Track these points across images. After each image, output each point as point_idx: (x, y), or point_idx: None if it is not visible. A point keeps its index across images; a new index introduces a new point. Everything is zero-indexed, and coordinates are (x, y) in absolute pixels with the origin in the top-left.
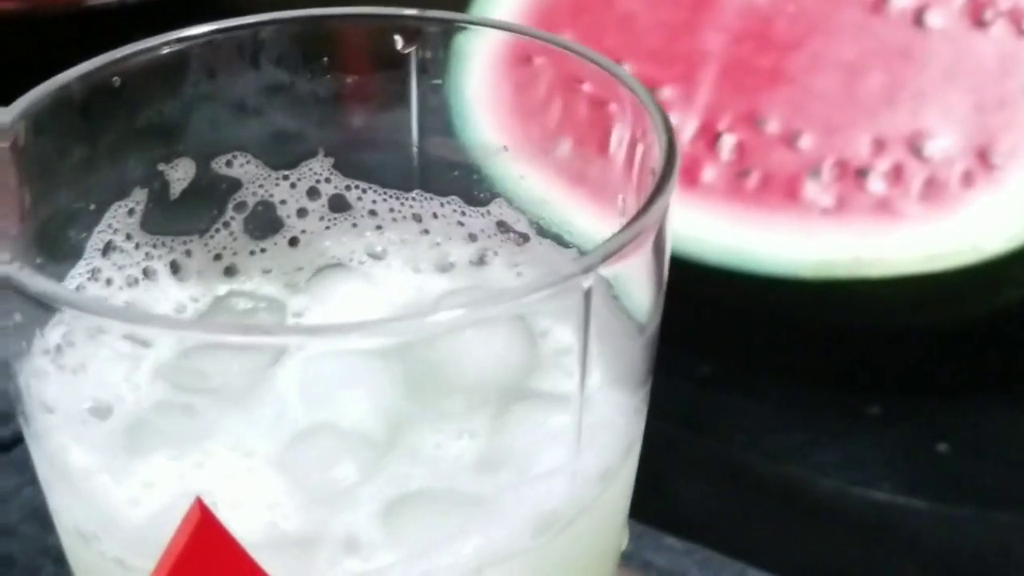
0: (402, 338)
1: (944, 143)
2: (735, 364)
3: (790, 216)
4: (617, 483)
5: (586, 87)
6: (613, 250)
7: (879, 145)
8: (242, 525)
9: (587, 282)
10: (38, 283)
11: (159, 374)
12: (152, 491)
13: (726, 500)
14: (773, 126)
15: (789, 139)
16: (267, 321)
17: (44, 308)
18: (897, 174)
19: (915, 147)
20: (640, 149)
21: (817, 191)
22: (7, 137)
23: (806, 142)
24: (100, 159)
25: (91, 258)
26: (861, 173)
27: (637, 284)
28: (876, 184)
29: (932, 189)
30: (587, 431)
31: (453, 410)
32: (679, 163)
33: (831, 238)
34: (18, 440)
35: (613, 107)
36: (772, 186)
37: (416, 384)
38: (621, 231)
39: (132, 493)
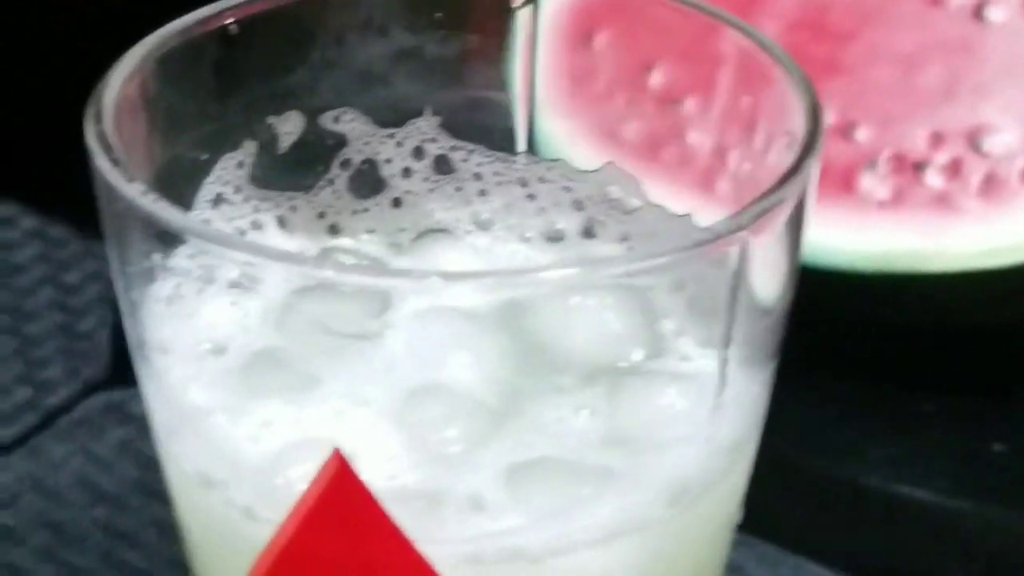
0: (538, 290)
1: (1005, 138)
2: (790, 358)
3: (846, 208)
4: (745, 456)
5: (705, 43)
6: (765, 210)
7: (937, 139)
8: (362, 475)
9: (739, 243)
10: (168, 213)
11: (268, 320)
12: (271, 432)
13: (783, 495)
14: (828, 117)
15: (845, 130)
16: None
17: (166, 246)
18: (956, 168)
19: (974, 142)
20: (770, 108)
21: (873, 183)
22: None
23: (862, 134)
24: (213, 109)
25: (201, 209)
26: (918, 167)
27: (776, 252)
28: (934, 178)
29: (992, 185)
30: (723, 401)
31: (565, 384)
32: (824, 123)
33: (888, 231)
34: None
35: (738, 64)
36: (828, 177)
37: (525, 356)
38: (768, 194)
39: (250, 432)
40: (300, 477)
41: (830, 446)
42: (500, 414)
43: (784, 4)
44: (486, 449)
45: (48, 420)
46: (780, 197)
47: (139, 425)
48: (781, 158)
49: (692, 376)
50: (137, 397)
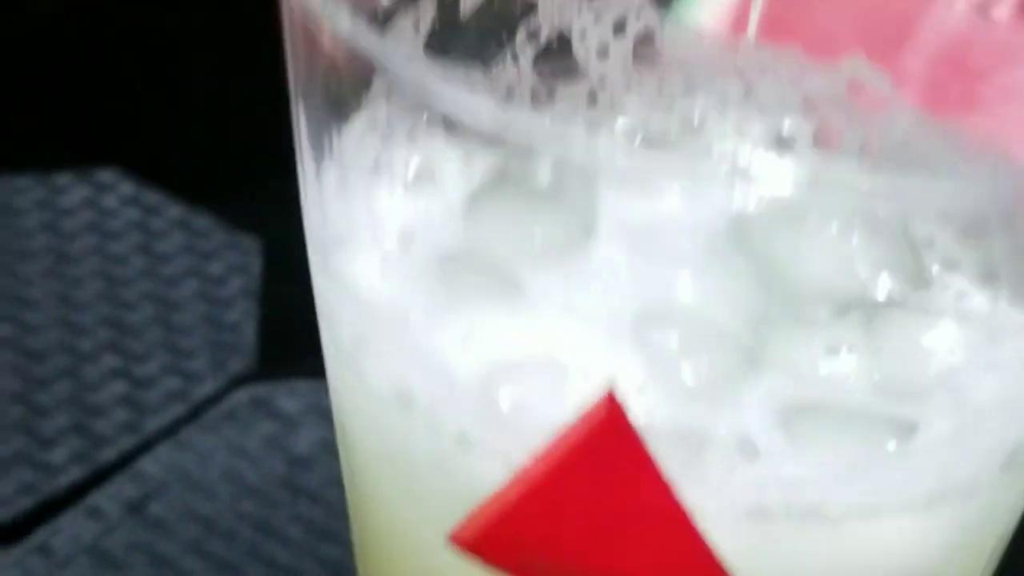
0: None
1: None
2: None
3: None
4: None
5: None
6: None
7: None
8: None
9: None
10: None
11: (455, 212)
12: (476, 345)
13: None
14: None
15: None
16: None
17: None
18: None
19: None
20: None
21: None
22: None
23: None
24: None
25: None
26: None
27: None
28: None
29: None
30: None
31: (821, 318)
32: None
33: None
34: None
35: None
36: None
37: (762, 280)
38: None
39: (453, 345)
40: (523, 400)
41: None
42: (749, 344)
43: (928, 41)
44: (744, 385)
45: (195, 412)
46: None
47: (285, 421)
48: None
49: (992, 322)
50: (283, 392)
